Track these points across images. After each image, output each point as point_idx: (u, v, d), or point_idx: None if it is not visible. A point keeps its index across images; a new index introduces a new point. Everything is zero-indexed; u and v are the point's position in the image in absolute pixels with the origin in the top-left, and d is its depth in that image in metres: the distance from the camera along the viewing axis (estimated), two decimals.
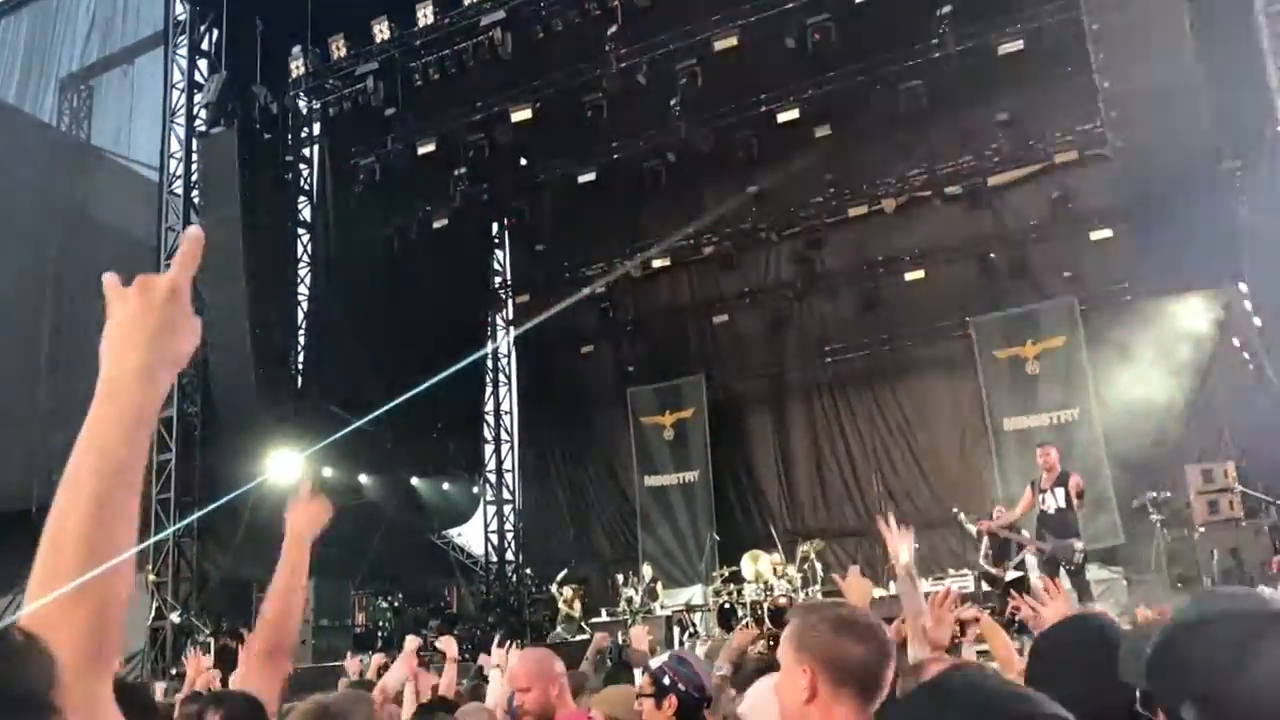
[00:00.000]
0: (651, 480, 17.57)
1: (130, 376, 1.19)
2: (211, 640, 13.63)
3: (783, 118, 14.74)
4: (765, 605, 13.00)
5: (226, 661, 7.42)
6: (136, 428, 1.18)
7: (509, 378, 21.02)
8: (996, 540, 11.16)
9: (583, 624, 14.31)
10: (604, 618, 14.64)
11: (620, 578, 15.06)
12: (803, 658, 2.07)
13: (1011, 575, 10.63)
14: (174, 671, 12.57)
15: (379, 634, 15.79)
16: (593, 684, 5.17)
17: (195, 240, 1.28)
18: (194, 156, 15.71)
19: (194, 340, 1.26)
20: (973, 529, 11.56)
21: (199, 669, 6.24)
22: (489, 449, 20.70)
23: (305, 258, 17.30)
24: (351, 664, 7.39)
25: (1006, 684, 1.43)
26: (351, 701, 3.03)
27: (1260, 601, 1.33)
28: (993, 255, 15.93)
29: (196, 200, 15.63)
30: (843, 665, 2.04)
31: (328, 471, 15.99)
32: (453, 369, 15.66)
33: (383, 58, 14.90)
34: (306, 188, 17.47)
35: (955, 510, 11.81)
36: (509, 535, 20.43)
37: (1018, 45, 13.23)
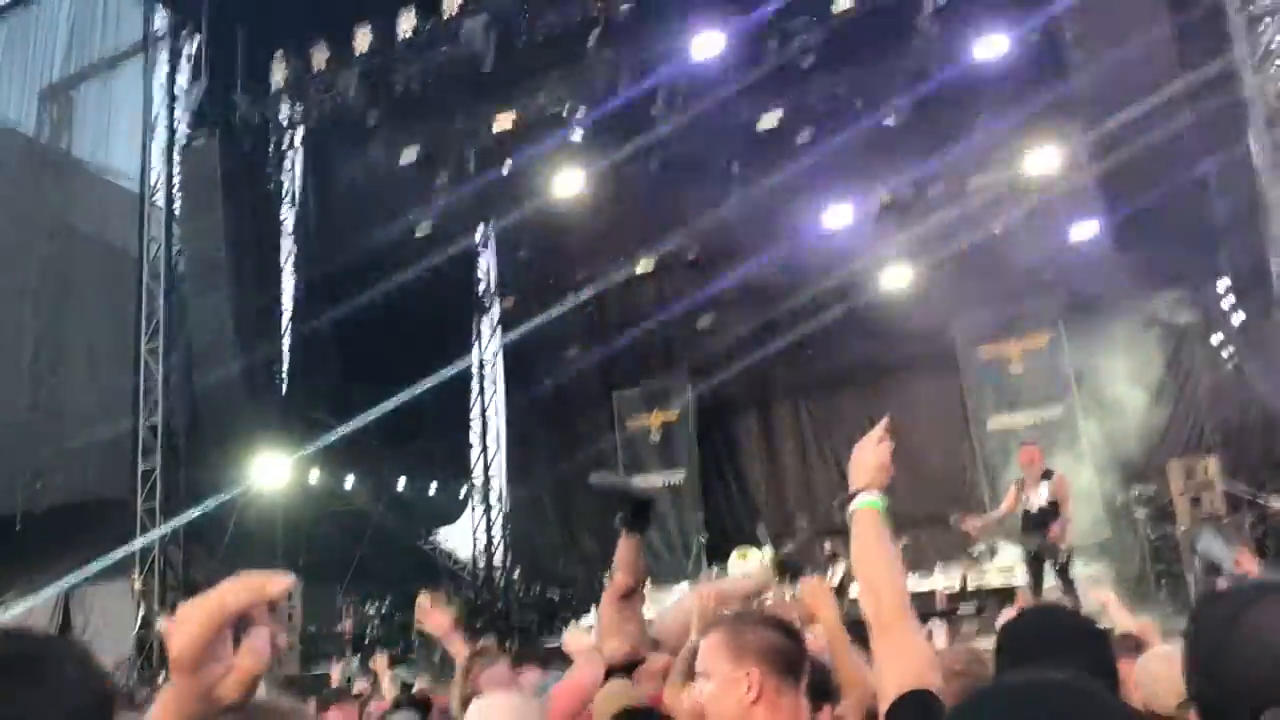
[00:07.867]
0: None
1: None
2: None
3: (764, 124, 14.79)
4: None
5: None
6: None
7: (495, 381, 21.02)
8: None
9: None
10: (592, 619, 14.64)
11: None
12: (743, 662, 2.17)
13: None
14: (160, 679, 12.53)
15: (365, 639, 15.75)
16: None
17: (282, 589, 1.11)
18: (175, 166, 15.64)
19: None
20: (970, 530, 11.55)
21: None
22: (475, 452, 20.69)
23: (289, 265, 17.27)
24: (335, 670, 7.36)
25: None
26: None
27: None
28: (974, 257, 16.01)
29: (178, 210, 15.58)
30: (778, 656, 2.19)
31: (314, 476, 15.95)
32: (439, 376, 15.68)
33: (364, 66, 14.87)
34: (289, 196, 17.42)
35: (953, 518, 11.74)
36: (496, 538, 20.42)
37: (999, 50, 13.31)
